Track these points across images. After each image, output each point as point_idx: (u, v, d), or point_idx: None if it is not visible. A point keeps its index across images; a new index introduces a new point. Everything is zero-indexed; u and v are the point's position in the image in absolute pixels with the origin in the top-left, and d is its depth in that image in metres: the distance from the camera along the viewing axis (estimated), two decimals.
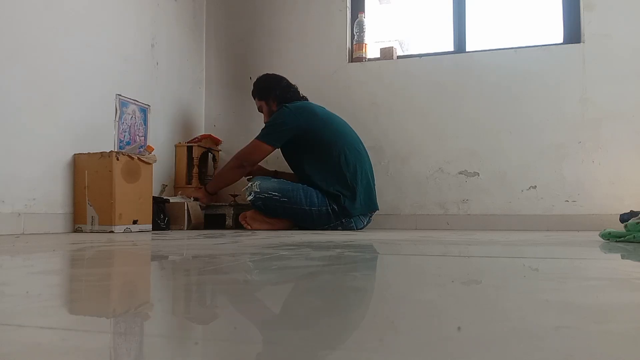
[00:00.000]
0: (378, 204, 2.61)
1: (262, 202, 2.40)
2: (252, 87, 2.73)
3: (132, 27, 2.60)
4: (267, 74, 2.74)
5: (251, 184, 2.43)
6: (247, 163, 2.56)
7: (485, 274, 0.82)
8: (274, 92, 2.64)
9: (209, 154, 3.06)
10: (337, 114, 2.65)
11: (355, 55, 3.03)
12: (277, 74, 2.72)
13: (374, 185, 2.60)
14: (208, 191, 2.68)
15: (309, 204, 2.40)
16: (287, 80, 2.69)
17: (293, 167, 2.64)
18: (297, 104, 2.59)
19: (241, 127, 3.20)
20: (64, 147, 2.13)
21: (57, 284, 0.73)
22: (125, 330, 0.44)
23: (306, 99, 2.70)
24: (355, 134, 2.63)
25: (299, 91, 2.69)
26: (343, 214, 2.44)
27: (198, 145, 2.92)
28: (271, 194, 2.39)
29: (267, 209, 2.43)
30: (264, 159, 2.62)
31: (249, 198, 2.42)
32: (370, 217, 2.58)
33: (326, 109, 2.64)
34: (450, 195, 2.80)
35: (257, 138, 2.53)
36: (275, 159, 3.05)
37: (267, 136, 2.50)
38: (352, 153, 2.51)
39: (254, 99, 2.73)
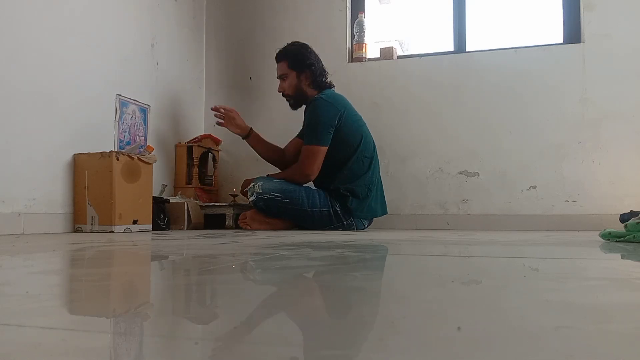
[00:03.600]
0: (382, 210, 2.57)
1: (264, 202, 2.39)
2: (285, 48, 2.51)
3: (132, 27, 2.60)
4: (305, 45, 2.53)
5: (253, 185, 2.42)
6: (312, 173, 2.39)
7: (485, 274, 0.82)
8: (310, 68, 2.47)
9: (209, 154, 3.06)
10: None
11: (355, 55, 3.03)
12: (313, 50, 2.55)
13: (382, 192, 2.58)
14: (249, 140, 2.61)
15: (311, 205, 2.39)
16: (321, 61, 2.56)
17: None
18: (331, 92, 2.50)
19: None
20: (64, 147, 2.13)
21: (57, 284, 0.73)
22: (125, 330, 0.44)
23: (334, 86, 2.59)
24: (372, 136, 2.59)
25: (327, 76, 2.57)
26: (345, 215, 2.43)
27: (198, 145, 2.92)
28: (273, 194, 2.38)
29: (268, 210, 2.42)
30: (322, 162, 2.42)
31: (251, 198, 2.41)
32: (372, 219, 2.58)
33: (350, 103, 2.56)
34: (450, 195, 2.80)
35: (310, 143, 2.39)
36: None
37: (319, 138, 2.38)
38: (368, 155, 2.48)
39: (281, 61, 2.52)
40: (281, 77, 2.55)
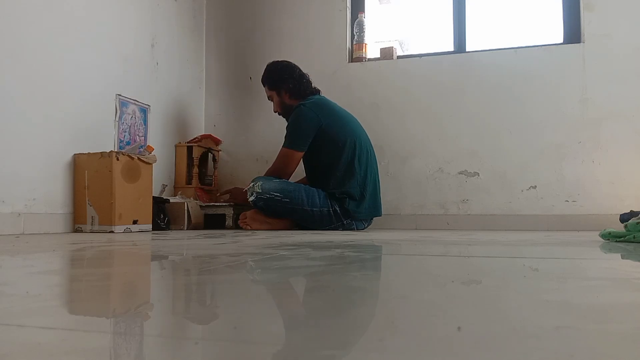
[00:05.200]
0: (382, 210, 2.59)
1: (264, 202, 2.39)
2: (263, 73, 2.64)
3: (132, 27, 2.60)
4: (278, 62, 2.63)
5: (253, 185, 2.42)
6: (285, 175, 2.49)
7: (485, 274, 0.82)
8: (286, 83, 2.56)
9: (209, 154, 3.06)
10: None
11: (355, 55, 3.03)
12: (289, 62, 2.63)
13: (380, 190, 2.58)
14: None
15: (311, 205, 2.39)
16: (300, 70, 2.62)
17: (308, 166, 2.59)
18: (313, 100, 2.53)
19: (241, 126, 3.21)
20: (64, 147, 2.13)
21: (57, 284, 0.73)
22: (125, 330, 0.44)
23: (319, 91, 2.64)
24: (367, 135, 2.60)
25: (311, 81, 2.62)
26: (345, 216, 2.43)
27: (198, 145, 2.92)
28: (273, 194, 2.38)
29: (268, 210, 2.42)
30: (297, 166, 2.52)
31: (251, 199, 2.42)
32: (371, 219, 2.58)
33: (338, 105, 2.60)
34: (450, 195, 2.80)
35: (285, 146, 2.47)
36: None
37: (295, 143, 2.45)
38: (365, 156, 2.49)
39: (264, 86, 2.65)
40: (269, 98, 2.68)
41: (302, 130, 2.45)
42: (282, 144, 2.51)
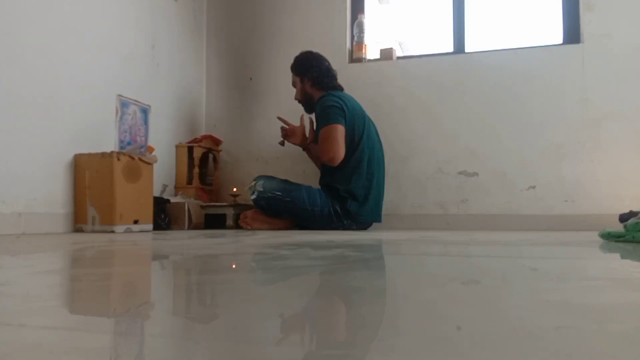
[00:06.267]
0: (382, 216, 2.58)
1: (265, 201, 2.40)
2: (293, 60, 2.65)
3: (132, 27, 2.60)
4: (310, 51, 2.65)
5: (254, 183, 2.43)
6: (336, 153, 2.39)
7: (485, 274, 0.82)
8: (310, 71, 2.57)
9: (210, 154, 3.06)
10: None
11: (355, 56, 3.03)
12: (321, 54, 2.64)
13: (383, 197, 2.58)
14: (308, 147, 2.63)
15: (311, 204, 2.40)
16: (329, 64, 2.62)
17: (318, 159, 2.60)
18: (338, 93, 2.53)
19: (242, 127, 3.21)
20: (64, 147, 2.13)
21: (58, 284, 0.73)
22: (126, 330, 0.44)
23: (342, 88, 2.64)
24: (380, 141, 2.60)
25: (336, 78, 2.63)
26: (345, 216, 2.43)
27: (199, 146, 2.92)
28: (274, 193, 2.39)
29: (269, 209, 2.42)
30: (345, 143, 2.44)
31: (252, 197, 2.42)
32: (371, 222, 2.57)
33: (359, 104, 2.60)
34: (450, 195, 2.80)
35: (323, 125, 2.41)
36: (276, 159, 3.05)
37: (333, 118, 2.40)
38: (375, 160, 2.50)
39: (292, 72, 2.66)
40: (293, 85, 2.67)
41: (334, 109, 2.43)
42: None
